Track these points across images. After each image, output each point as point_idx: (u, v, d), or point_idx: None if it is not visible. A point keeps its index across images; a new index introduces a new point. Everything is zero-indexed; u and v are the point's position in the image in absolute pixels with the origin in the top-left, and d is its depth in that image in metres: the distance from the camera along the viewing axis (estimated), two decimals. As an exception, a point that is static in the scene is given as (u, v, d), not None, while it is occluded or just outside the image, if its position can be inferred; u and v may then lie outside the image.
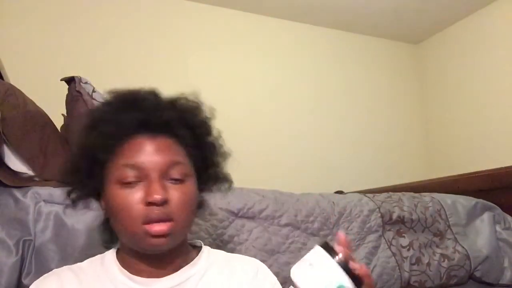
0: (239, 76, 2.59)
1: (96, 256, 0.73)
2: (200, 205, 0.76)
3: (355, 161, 2.78)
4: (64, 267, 0.71)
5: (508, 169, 1.59)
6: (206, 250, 0.76)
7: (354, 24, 2.90)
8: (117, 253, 0.71)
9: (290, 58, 2.78)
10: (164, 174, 0.64)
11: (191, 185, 0.67)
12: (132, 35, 2.38)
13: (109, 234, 0.73)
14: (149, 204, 0.62)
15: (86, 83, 1.16)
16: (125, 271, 0.67)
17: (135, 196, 0.63)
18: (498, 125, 2.53)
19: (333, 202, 1.27)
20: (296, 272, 0.55)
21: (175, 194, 0.64)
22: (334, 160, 2.71)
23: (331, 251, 0.54)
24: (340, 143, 2.76)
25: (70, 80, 1.18)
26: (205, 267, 0.71)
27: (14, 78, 1.47)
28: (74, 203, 0.72)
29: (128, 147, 0.65)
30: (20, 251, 0.87)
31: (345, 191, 2.08)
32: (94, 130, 0.67)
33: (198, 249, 0.75)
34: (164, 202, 0.62)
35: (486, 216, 1.44)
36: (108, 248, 0.73)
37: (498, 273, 1.35)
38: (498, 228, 1.43)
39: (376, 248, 1.24)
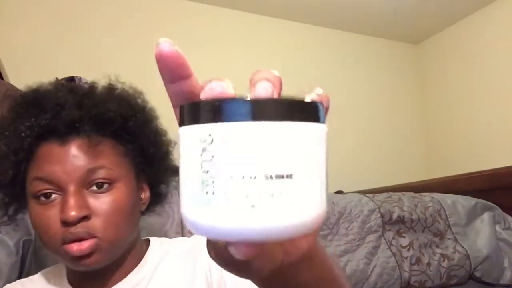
0: (239, 76, 2.58)
1: (55, 266, 0.68)
2: (156, 200, 0.70)
3: (355, 161, 2.78)
4: (17, 281, 0.67)
5: (508, 169, 1.59)
6: (156, 244, 0.68)
7: (354, 24, 2.90)
8: None
9: (290, 58, 2.78)
10: (83, 183, 0.56)
11: (121, 191, 0.58)
12: (132, 35, 2.38)
13: None
14: (65, 224, 0.54)
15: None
16: (69, 286, 0.62)
17: (52, 213, 0.55)
18: (498, 125, 2.53)
19: (333, 202, 1.27)
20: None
21: (99, 204, 0.56)
22: (334, 160, 2.70)
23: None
24: (340, 143, 2.76)
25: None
26: (155, 264, 0.64)
27: (14, 78, 1.47)
28: (11, 219, 0.65)
29: (38, 156, 0.57)
30: (20, 251, 0.87)
31: (345, 191, 2.07)
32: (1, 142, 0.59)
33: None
34: (81, 220, 0.54)
35: (486, 216, 1.44)
36: None
37: (498, 273, 1.35)
38: (498, 228, 1.43)
39: (376, 248, 1.24)
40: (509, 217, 1.48)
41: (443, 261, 1.29)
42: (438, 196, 1.46)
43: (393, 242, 1.27)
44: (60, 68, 1.59)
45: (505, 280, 1.35)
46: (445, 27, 2.94)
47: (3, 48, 1.82)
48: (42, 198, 0.56)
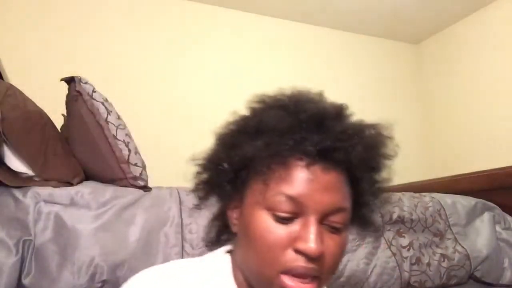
0: (238, 76, 2.59)
1: (201, 265, 0.59)
2: None
3: (355, 161, 2.78)
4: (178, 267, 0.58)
5: (508, 169, 1.59)
6: None
7: (354, 24, 2.90)
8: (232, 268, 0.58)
9: (290, 58, 2.78)
10: (324, 218, 0.51)
11: (346, 235, 0.54)
12: (132, 35, 2.38)
13: (216, 234, 0.63)
14: (299, 252, 0.49)
15: (86, 83, 1.16)
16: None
17: (283, 235, 0.50)
18: (498, 125, 2.53)
19: (333, 202, 1.27)
20: None
21: (330, 244, 0.51)
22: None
23: None
24: (340, 143, 2.77)
25: (70, 80, 1.18)
26: None
27: (14, 78, 1.47)
28: (201, 200, 0.62)
29: (294, 172, 0.52)
30: (20, 251, 0.87)
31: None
32: (259, 136, 0.54)
33: None
34: (318, 257, 0.49)
35: (486, 216, 1.44)
36: (209, 248, 0.63)
37: (498, 273, 1.35)
38: (498, 228, 1.43)
39: (376, 248, 1.24)
40: (509, 217, 1.48)
41: (443, 261, 1.29)
42: (438, 196, 1.45)
43: (393, 242, 1.27)
44: (60, 68, 1.59)
45: (505, 280, 1.35)
46: (445, 27, 2.94)
47: (3, 48, 1.83)
48: (278, 216, 0.51)
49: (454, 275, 1.29)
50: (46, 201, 0.94)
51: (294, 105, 0.57)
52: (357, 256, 1.20)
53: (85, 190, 1.00)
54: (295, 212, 0.51)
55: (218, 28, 2.62)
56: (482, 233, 1.40)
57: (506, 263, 1.37)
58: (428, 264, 1.26)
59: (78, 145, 1.17)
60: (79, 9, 2.28)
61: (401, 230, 1.30)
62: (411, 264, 1.24)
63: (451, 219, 1.39)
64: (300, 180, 0.51)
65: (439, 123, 2.99)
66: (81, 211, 0.96)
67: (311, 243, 0.49)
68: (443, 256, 1.30)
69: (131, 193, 1.05)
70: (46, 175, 1.02)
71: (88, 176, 1.14)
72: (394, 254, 1.24)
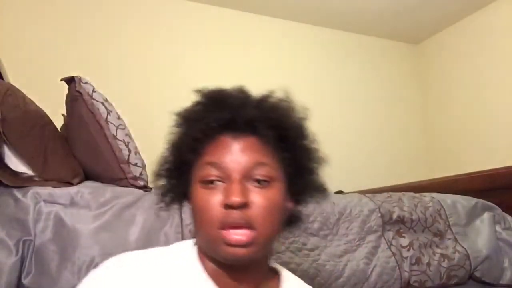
0: (238, 76, 2.59)
1: (167, 253, 0.66)
2: (294, 219, 0.71)
3: (355, 161, 2.78)
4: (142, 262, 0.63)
5: (508, 169, 1.59)
6: (286, 276, 0.71)
7: (354, 24, 2.90)
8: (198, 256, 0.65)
9: (289, 58, 2.78)
10: (246, 176, 0.60)
11: (277, 191, 0.62)
12: (132, 35, 2.38)
13: None
14: (227, 207, 0.57)
15: (86, 83, 1.16)
16: (210, 281, 0.62)
17: (215, 198, 0.59)
18: (498, 125, 2.54)
19: (333, 202, 1.27)
20: None
21: (258, 198, 0.59)
22: (334, 160, 2.70)
23: None
24: (340, 143, 2.77)
25: (70, 80, 1.18)
26: None
27: (14, 78, 1.47)
28: (167, 206, 0.70)
29: (213, 146, 0.63)
30: (20, 251, 0.87)
31: (345, 191, 2.08)
32: (181, 131, 0.67)
33: (275, 271, 0.71)
34: (243, 206, 0.57)
35: (486, 216, 1.44)
36: None
37: (498, 273, 1.35)
38: (498, 228, 1.43)
39: (376, 248, 1.24)
40: (509, 217, 1.48)
41: (443, 261, 1.29)
42: (438, 196, 1.45)
43: (393, 242, 1.27)
44: (60, 68, 1.59)
45: (505, 280, 1.35)
46: (445, 27, 2.94)
47: (3, 48, 1.83)
48: (208, 183, 0.60)
49: (454, 275, 1.29)
50: (46, 201, 0.94)
51: (206, 98, 0.67)
52: (357, 256, 1.20)
53: (85, 190, 1.00)
54: (220, 176, 0.60)
55: (218, 28, 2.62)
56: (482, 233, 1.40)
57: (506, 263, 1.37)
58: (428, 264, 1.26)
59: (78, 145, 1.17)
60: (79, 9, 2.28)
61: (401, 230, 1.30)
62: (411, 264, 1.24)
63: (451, 219, 1.39)
64: (217, 149, 0.62)
65: (439, 123, 3.00)
66: (81, 211, 0.96)
67: (233, 196, 0.57)
68: (443, 256, 1.30)
69: (131, 193, 1.05)
70: (46, 175, 1.02)
71: (88, 176, 1.14)
72: (394, 254, 1.24)
